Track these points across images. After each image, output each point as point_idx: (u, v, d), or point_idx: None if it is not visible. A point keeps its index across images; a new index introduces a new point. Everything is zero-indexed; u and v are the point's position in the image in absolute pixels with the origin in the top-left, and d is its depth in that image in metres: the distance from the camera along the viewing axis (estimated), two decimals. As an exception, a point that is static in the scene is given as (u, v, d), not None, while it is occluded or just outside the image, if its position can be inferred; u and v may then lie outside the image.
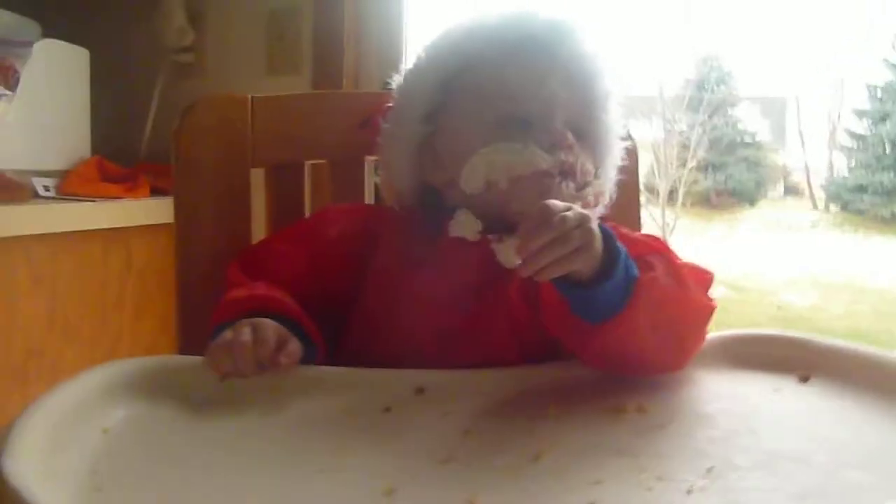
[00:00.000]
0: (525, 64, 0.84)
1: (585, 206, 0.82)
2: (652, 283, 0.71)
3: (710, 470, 0.59)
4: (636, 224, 1.06)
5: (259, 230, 0.97)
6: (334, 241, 0.88)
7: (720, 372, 0.80)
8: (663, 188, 6.25)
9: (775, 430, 0.67)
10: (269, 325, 0.74)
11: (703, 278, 0.79)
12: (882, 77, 6.86)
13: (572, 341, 0.76)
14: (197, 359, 0.74)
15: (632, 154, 0.98)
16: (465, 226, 0.83)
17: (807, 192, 7.58)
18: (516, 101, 0.83)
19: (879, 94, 6.89)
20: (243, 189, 0.95)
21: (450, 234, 0.84)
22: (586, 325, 0.72)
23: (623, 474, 0.58)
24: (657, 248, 0.77)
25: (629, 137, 0.99)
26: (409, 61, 0.92)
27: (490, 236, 0.82)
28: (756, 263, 6.39)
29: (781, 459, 0.61)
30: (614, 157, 0.92)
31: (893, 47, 6.84)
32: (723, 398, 0.74)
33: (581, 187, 0.82)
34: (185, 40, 1.80)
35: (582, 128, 0.85)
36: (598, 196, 0.85)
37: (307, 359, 0.76)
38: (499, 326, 0.82)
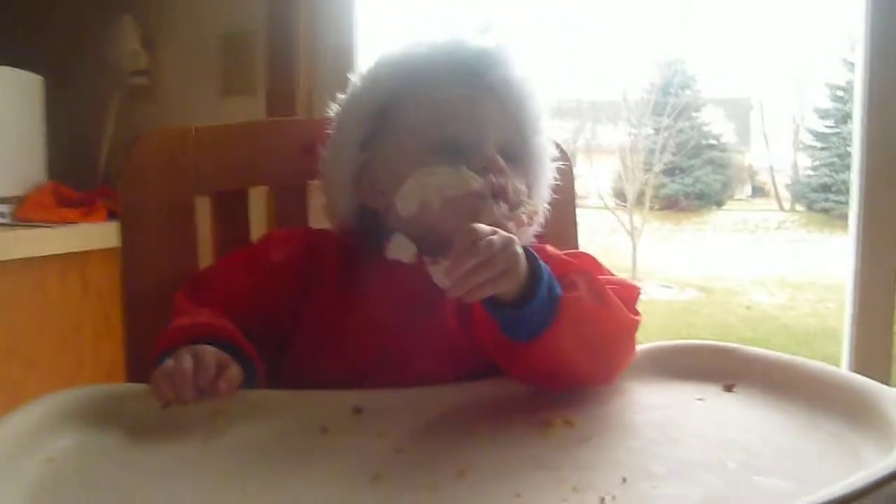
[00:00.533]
0: (455, 90, 0.88)
1: (519, 225, 0.86)
2: (575, 302, 0.75)
3: (624, 479, 0.61)
4: (573, 242, 1.09)
5: (206, 256, 0.99)
6: (277, 267, 0.91)
7: (648, 383, 0.84)
8: (631, 193, 6.31)
9: (693, 438, 0.70)
10: (209, 352, 0.76)
11: (629, 294, 0.82)
12: (843, 77, 6.98)
13: (503, 359, 0.79)
14: (141, 386, 0.76)
15: (566, 174, 1.01)
16: (401, 249, 0.86)
17: (773, 192, 7.69)
18: (447, 127, 0.86)
19: (840, 94, 7.01)
20: (188, 217, 0.97)
21: (387, 257, 0.86)
22: (514, 343, 0.75)
23: (542, 486, 0.61)
24: (581, 267, 0.80)
25: (564, 157, 1.02)
26: (344, 89, 0.94)
27: (426, 258, 0.85)
28: (724, 264, 6.47)
29: (695, 467, 0.64)
30: (547, 178, 0.95)
31: (852, 47, 6.96)
32: (648, 409, 0.78)
33: (514, 207, 0.85)
34: (139, 63, 1.81)
35: (513, 151, 0.88)
36: (531, 216, 0.89)
37: (248, 383, 0.78)
38: (435, 347, 0.84)
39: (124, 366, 0.94)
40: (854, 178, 1.54)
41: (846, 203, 6.73)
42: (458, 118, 0.86)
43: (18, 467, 0.63)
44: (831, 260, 6.33)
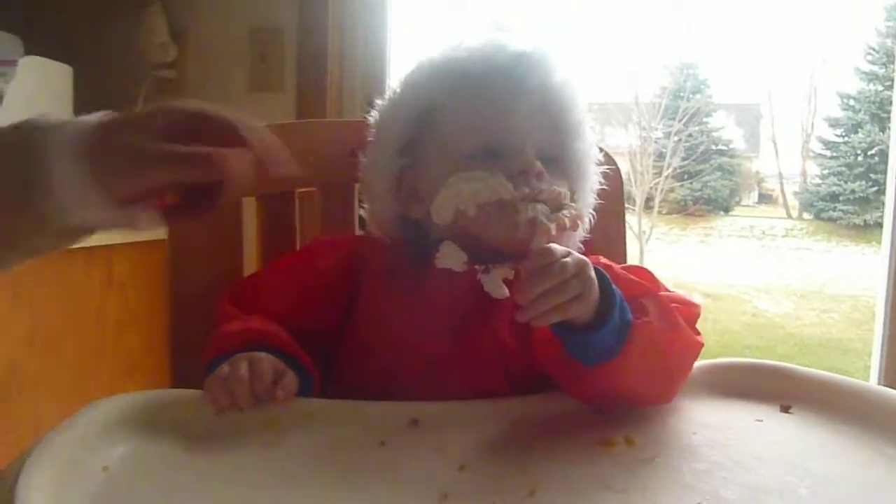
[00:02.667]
0: (493, 96, 0.86)
1: (560, 228, 0.84)
2: (646, 328, 0.73)
3: (697, 505, 0.60)
4: (621, 249, 1.08)
5: (251, 260, 0.98)
6: (323, 274, 0.89)
7: (703, 401, 0.82)
8: (639, 196, 6.31)
9: (759, 462, 0.69)
10: (266, 359, 0.75)
11: (691, 312, 0.81)
12: (854, 86, 6.98)
13: (564, 380, 0.78)
14: (194, 392, 0.75)
15: (613, 179, 1.00)
16: (450, 258, 0.84)
17: (780, 199, 7.68)
18: (484, 133, 0.84)
19: (851, 103, 7.01)
20: (235, 219, 0.96)
21: (436, 266, 0.85)
22: (580, 367, 0.74)
23: (614, 510, 0.60)
24: (650, 289, 0.79)
25: (610, 162, 1.01)
26: (385, 94, 0.93)
27: (476, 267, 0.83)
28: (730, 271, 6.47)
29: (766, 493, 0.63)
30: (591, 183, 0.94)
31: (865, 57, 6.95)
32: (707, 428, 0.76)
33: (555, 209, 0.83)
34: (168, 56, 1.80)
35: (553, 154, 0.87)
36: (574, 220, 0.87)
37: (303, 391, 0.77)
38: (488, 356, 0.83)
39: (169, 368, 0.92)
40: (890, 190, 1.52)
41: (854, 213, 6.72)
42: (495, 124, 0.85)
43: (74, 477, 0.62)
44: (837, 270, 6.33)
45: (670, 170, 6.65)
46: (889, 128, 6.60)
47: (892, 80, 6.80)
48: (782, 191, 7.70)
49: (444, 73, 0.89)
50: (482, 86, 0.87)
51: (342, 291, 0.89)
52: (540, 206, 0.81)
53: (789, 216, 7.55)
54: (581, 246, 0.97)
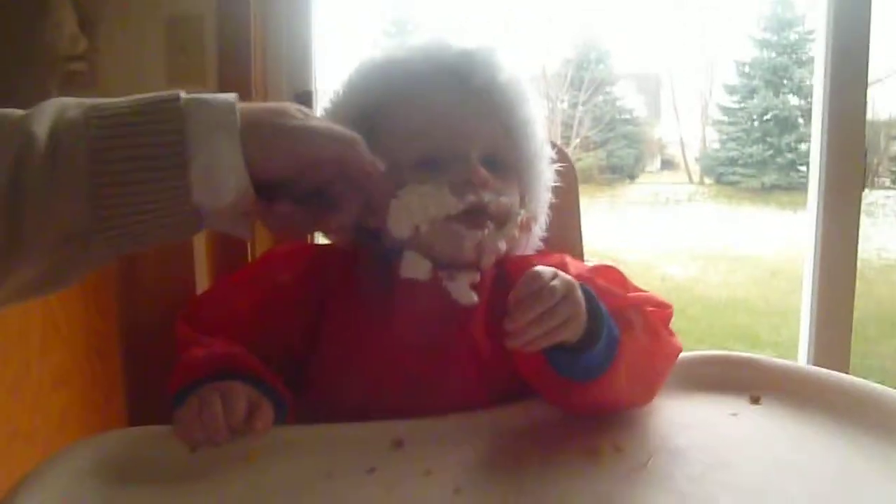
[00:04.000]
0: (437, 98, 0.83)
1: (510, 242, 0.83)
2: (632, 343, 0.73)
3: (699, 514, 0.61)
4: (578, 246, 1.08)
5: (202, 275, 0.93)
6: (284, 288, 0.85)
7: (678, 398, 0.83)
8: (550, 168, 6.38)
9: (745, 461, 0.70)
10: (238, 389, 0.71)
11: (665, 314, 0.81)
12: (749, 53, 7.23)
13: (549, 394, 0.77)
14: (164, 429, 0.70)
15: (566, 177, 0.99)
16: (414, 267, 0.81)
17: (682, 165, 7.92)
18: (428, 140, 0.81)
19: (747, 70, 7.26)
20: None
21: (401, 276, 0.82)
22: (567, 382, 0.73)
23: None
24: (631, 301, 0.78)
25: (563, 159, 1.00)
26: (326, 99, 0.90)
27: (441, 274, 0.81)
28: (638, 237, 6.64)
29: (761, 496, 0.64)
30: (544, 181, 0.92)
31: (758, 24, 7.20)
32: (688, 428, 0.77)
33: (501, 223, 0.82)
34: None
35: (502, 159, 0.84)
36: (527, 224, 0.86)
37: (278, 417, 0.74)
38: (465, 366, 0.82)
39: (124, 396, 0.87)
40: (814, 154, 1.55)
41: (753, 176, 7.00)
42: (439, 130, 0.81)
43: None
44: (738, 232, 6.58)
45: (578, 139, 6.75)
46: (783, 93, 6.88)
47: (784, 47, 7.08)
48: (684, 157, 7.94)
49: (387, 75, 0.85)
50: (425, 87, 0.83)
51: (306, 306, 0.85)
52: (486, 231, 0.79)
53: (691, 181, 7.79)
54: (540, 244, 0.96)
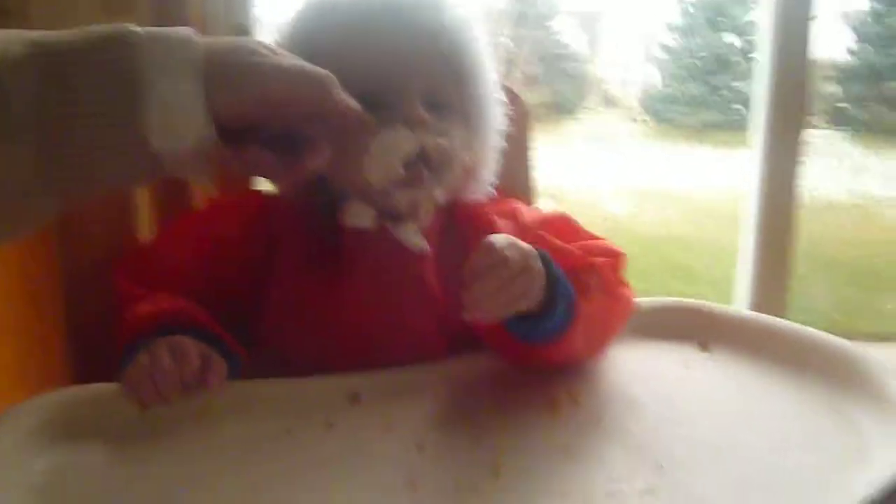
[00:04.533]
0: (378, 38, 0.80)
1: (451, 187, 0.81)
2: (589, 305, 0.73)
3: (661, 467, 0.62)
4: (528, 191, 1.07)
5: (143, 224, 0.89)
6: (227, 241, 0.83)
7: (631, 345, 0.84)
8: (492, 104, 6.33)
9: (700, 414, 0.71)
10: (189, 344, 0.69)
11: (618, 263, 0.81)
12: (691, -9, 7.21)
13: (506, 354, 0.77)
14: (111, 387, 0.68)
15: (517, 122, 0.96)
16: (358, 215, 0.79)
17: (623, 103, 7.94)
18: (365, 79, 0.76)
19: (690, 10, 7.25)
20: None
21: (346, 225, 0.80)
22: (526, 346, 0.73)
23: (583, 483, 0.60)
24: (587, 261, 0.77)
25: (516, 104, 0.98)
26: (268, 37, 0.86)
27: (387, 221, 0.79)
28: (580, 175, 6.68)
29: (719, 449, 0.65)
30: (494, 126, 0.89)
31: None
32: (643, 379, 0.78)
33: (439, 169, 0.79)
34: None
35: (447, 101, 0.82)
36: (471, 169, 0.84)
37: (230, 372, 0.72)
38: (419, 312, 0.80)
39: (65, 347, 0.84)
40: (757, 91, 1.56)
41: (691, 114, 7.00)
42: (377, 69, 0.78)
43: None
44: (675, 170, 6.67)
45: (520, 75, 6.69)
46: (721, 31, 6.89)
47: (725, -15, 7.08)
48: (624, 94, 7.96)
49: (328, 15, 0.82)
50: (367, 28, 0.80)
51: (252, 260, 0.82)
52: (422, 187, 0.77)
53: (633, 120, 7.83)
54: (492, 190, 0.95)
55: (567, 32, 7.79)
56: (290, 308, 0.80)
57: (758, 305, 1.59)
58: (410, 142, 0.76)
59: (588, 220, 0.90)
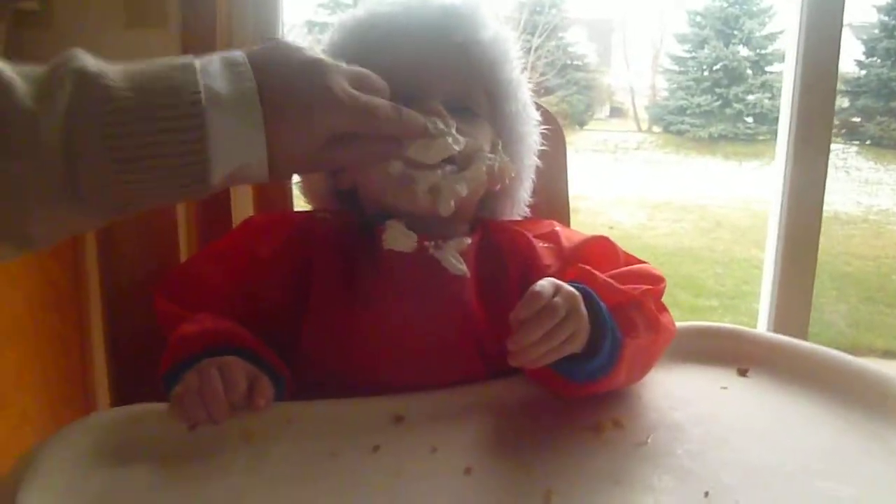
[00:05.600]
0: (413, 51, 0.81)
1: (478, 183, 0.81)
2: (634, 343, 0.72)
3: (707, 495, 0.62)
4: (565, 213, 1.07)
5: (183, 244, 0.90)
6: (261, 263, 0.82)
7: (669, 369, 0.84)
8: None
9: (739, 437, 0.71)
10: (237, 365, 0.69)
11: (659, 290, 0.80)
12: (701, 3, 7.23)
13: (551, 388, 0.77)
14: (157, 406, 0.68)
15: (553, 140, 0.97)
16: (398, 239, 0.79)
17: (631, 113, 7.95)
18: (392, 82, 0.74)
19: (699, 20, 7.27)
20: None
21: (385, 248, 0.79)
22: (570, 383, 0.73)
23: (632, 509, 0.60)
24: (633, 297, 0.76)
25: (551, 122, 0.99)
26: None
27: (427, 244, 0.79)
28: (587, 184, 6.68)
29: (759, 472, 0.65)
30: (528, 145, 0.91)
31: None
32: (683, 402, 0.77)
33: (463, 166, 0.79)
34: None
35: (470, 107, 0.83)
36: (503, 171, 0.83)
37: (276, 393, 0.72)
38: (459, 333, 0.80)
39: (107, 371, 0.84)
40: (784, 107, 1.55)
41: (700, 126, 7.05)
42: (403, 73, 0.77)
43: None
44: (685, 181, 6.66)
45: (532, 85, 6.70)
46: (733, 44, 6.91)
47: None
48: (633, 104, 7.97)
49: (367, 30, 0.83)
50: (404, 42, 0.81)
51: (288, 277, 0.82)
52: (440, 171, 0.77)
53: (640, 129, 7.84)
54: (527, 210, 0.95)
55: (579, 43, 7.83)
56: (328, 330, 0.80)
57: (780, 320, 1.59)
58: (448, 148, 0.76)
59: (595, 230, 0.90)
